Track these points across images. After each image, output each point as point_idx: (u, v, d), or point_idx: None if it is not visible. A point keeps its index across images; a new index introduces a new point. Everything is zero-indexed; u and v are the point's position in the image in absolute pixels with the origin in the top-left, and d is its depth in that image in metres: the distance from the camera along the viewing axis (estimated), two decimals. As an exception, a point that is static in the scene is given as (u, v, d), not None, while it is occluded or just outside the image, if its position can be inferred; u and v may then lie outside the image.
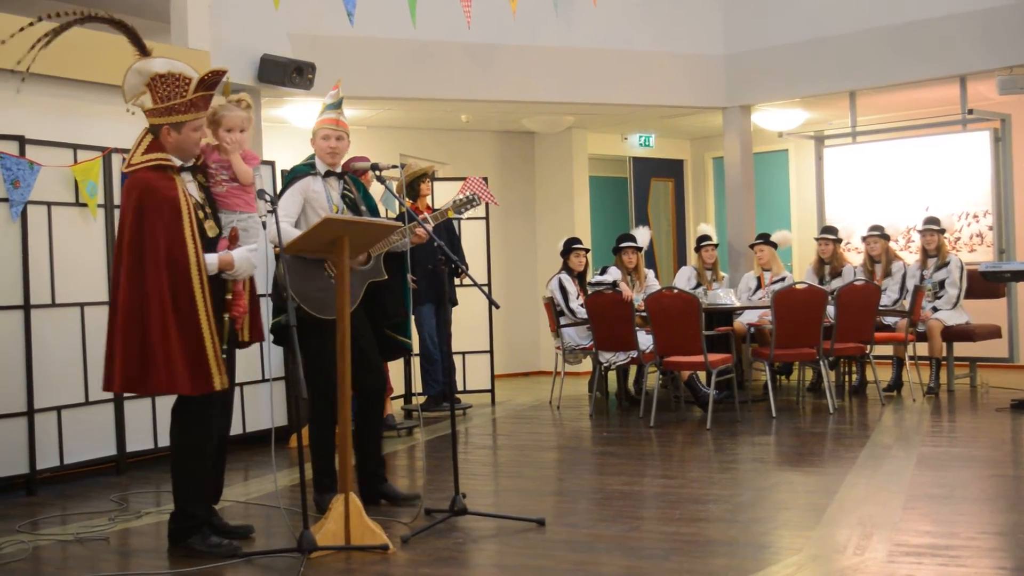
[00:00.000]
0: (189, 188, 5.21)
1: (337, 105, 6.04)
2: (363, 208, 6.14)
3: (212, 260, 5.12)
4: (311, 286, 5.75)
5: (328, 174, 6.02)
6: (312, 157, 6.06)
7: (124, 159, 5.24)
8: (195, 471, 5.23)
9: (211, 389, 5.05)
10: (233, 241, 5.30)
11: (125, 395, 7.47)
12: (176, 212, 5.03)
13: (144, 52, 5.19)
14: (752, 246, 10.98)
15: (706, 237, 11.02)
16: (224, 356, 5.19)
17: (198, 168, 5.32)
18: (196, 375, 5.01)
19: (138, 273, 4.98)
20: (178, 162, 5.19)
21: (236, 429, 7.46)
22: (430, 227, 5.89)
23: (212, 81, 5.15)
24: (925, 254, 10.41)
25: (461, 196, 6.29)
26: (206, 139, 5.41)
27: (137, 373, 5.02)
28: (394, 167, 6.39)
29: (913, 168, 11.50)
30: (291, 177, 6.04)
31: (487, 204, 10.30)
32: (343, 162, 6.21)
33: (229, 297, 5.27)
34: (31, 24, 5.24)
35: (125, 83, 5.15)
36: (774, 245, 10.73)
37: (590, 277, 10.24)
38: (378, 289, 6.05)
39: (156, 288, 4.95)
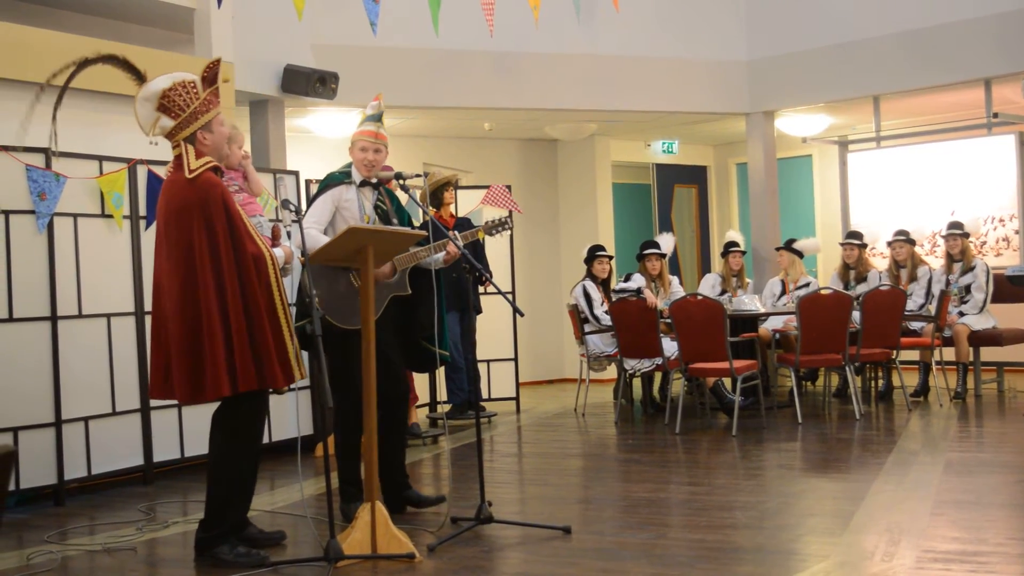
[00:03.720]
0: None
1: (377, 117, 6.06)
2: (395, 220, 6.15)
3: (279, 254, 5.19)
4: (334, 295, 5.77)
5: (363, 184, 6.04)
6: (349, 165, 6.09)
7: (181, 169, 5.09)
8: (243, 475, 5.25)
9: (293, 380, 5.11)
10: (276, 238, 5.36)
11: (153, 404, 7.52)
12: (239, 211, 5.10)
13: (141, 78, 5.16)
14: (777, 249, 10.98)
15: (734, 243, 10.99)
16: None
17: None
18: (284, 367, 5.07)
19: (233, 270, 4.95)
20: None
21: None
22: (459, 243, 5.90)
23: (212, 74, 5.16)
24: (950, 259, 10.36)
25: (493, 219, 6.30)
26: None
27: (244, 373, 4.96)
28: (418, 176, 6.40)
29: (938, 172, 11.45)
30: (325, 184, 6.07)
31: (511, 212, 10.31)
32: None
33: None
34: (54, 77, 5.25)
35: (138, 116, 5.10)
36: (797, 253, 10.70)
37: (614, 284, 10.24)
38: (412, 302, 6.08)
39: (246, 286, 4.97)
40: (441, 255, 6.02)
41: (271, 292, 5.05)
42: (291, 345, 5.11)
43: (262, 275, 5.02)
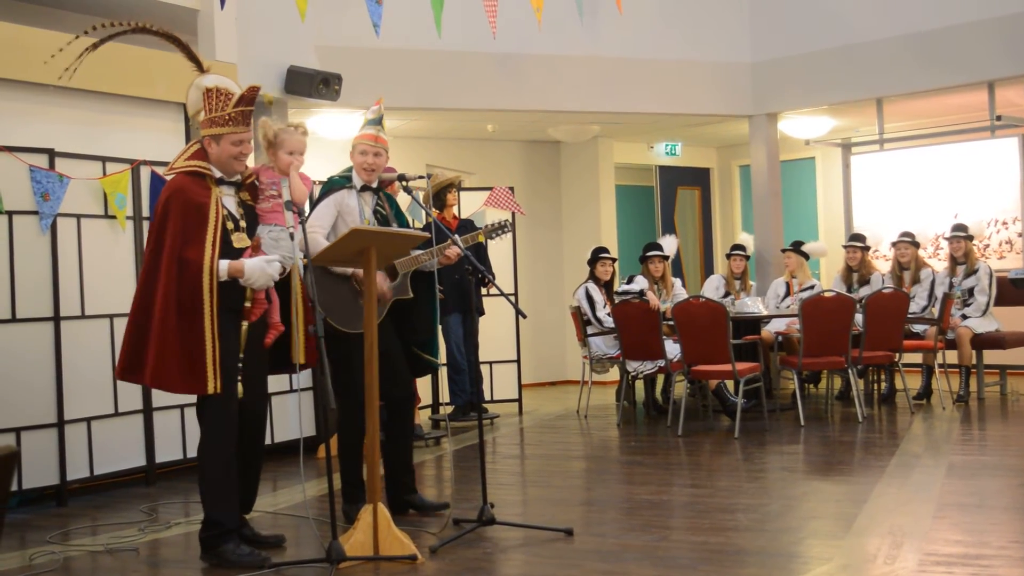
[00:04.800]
0: (226, 201, 5.31)
1: (377, 121, 6.06)
2: (394, 225, 6.15)
3: (223, 266, 5.19)
4: (336, 299, 5.77)
5: (364, 188, 6.04)
6: (350, 170, 6.09)
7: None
8: (216, 477, 5.25)
9: (203, 391, 5.11)
10: (255, 250, 5.36)
11: (155, 405, 7.53)
12: (202, 217, 5.15)
13: (200, 68, 5.44)
14: (784, 250, 10.97)
15: (739, 247, 10.98)
16: (241, 364, 5.28)
17: (243, 186, 5.43)
18: (188, 375, 5.08)
19: (154, 269, 5.12)
20: (218, 173, 5.30)
21: (264, 439, 7.49)
22: (459, 248, 5.89)
23: (250, 97, 5.29)
24: (953, 261, 10.35)
25: (493, 222, 6.30)
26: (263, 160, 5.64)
27: (135, 362, 5.17)
28: (421, 177, 6.39)
29: (941, 175, 11.45)
30: (327, 189, 6.07)
31: (513, 214, 10.31)
32: None
33: (248, 305, 5.31)
34: (85, 33, 5.46)
35: (188, 98, 5.44)
36: (805, 255, 10.70)
37: (617, 286, 10.23)
38: (407, 307, 6.08)
39: (165, 285, 5.07)
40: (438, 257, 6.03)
41: (197, 299, 5.08)
42: (211, 356, 5.09)
43: (186, 280, 5.08)
